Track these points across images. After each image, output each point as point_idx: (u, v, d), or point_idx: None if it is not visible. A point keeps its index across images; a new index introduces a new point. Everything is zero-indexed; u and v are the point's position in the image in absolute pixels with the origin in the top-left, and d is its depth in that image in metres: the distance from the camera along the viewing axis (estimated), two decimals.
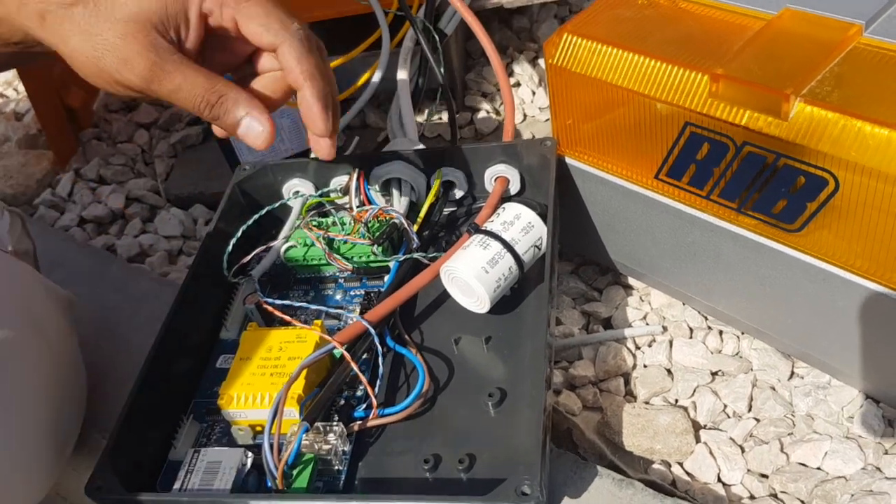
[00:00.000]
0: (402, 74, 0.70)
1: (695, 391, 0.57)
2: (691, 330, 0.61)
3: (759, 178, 0.47)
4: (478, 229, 0.54)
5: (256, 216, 0.57)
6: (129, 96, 0.48)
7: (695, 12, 0.53)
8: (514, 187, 0.61)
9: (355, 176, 0.60)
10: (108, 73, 0.45)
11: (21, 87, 1.07)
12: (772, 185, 0.47)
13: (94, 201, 0.86)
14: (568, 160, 0.59)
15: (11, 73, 1.10)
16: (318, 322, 0.53)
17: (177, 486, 0.46)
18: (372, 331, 0.50)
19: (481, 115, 0.83)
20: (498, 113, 0.83)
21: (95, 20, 0.44)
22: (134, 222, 0.82)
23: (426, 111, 0.84)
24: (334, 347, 0.49)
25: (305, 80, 0.47)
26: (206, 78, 0.46)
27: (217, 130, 0.51)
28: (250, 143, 0.48)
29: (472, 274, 0.51)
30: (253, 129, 0.47)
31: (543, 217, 0.54)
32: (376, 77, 0.74)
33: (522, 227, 0.54)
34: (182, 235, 0.81)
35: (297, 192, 0.63)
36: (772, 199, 0.48)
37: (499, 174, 0.60)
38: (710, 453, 0.53)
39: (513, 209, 0.55)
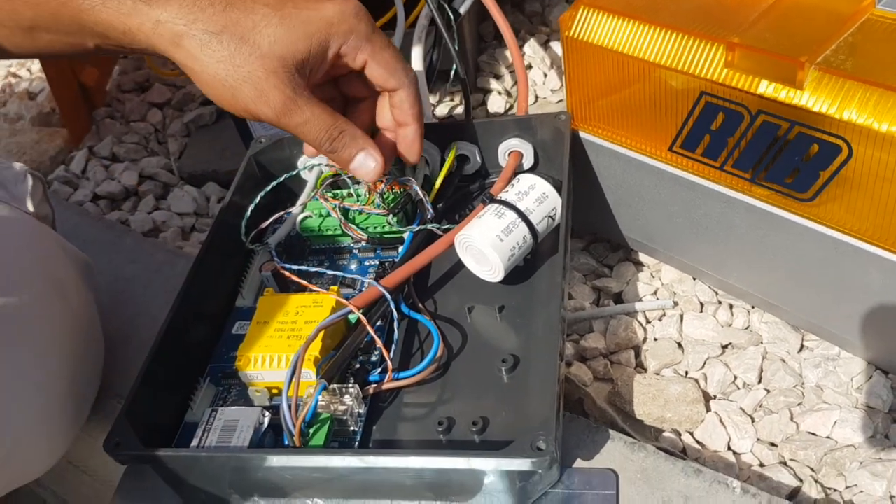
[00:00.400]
0: (416, 51, 0.71)
1: (705, 363, 0.57)
2: (702, 304, 0.61)
3: (773, 147, 0.48)
4: (492, 199, 0.55)
5: (275, 182, 0.58)
6: (250, 119, 0.53)
7: None
8: (528, 162, 0.61)
9: None
10: (243, 103, 0.48)
11: (34, 67, 1.08)
12: (785, 153, 0.48)
13: (107, 178, 0.87)
14: (582, 134, 0.60)
15: None
16: (335, 287, 0.53)
17: (194, 443, 0.47)
18: (388, 295, 0.51)
19: (493, 96, 0.84)
20: (510, 94, 0.84)
21: (240, 52, 0.46)
22: (147, 199, 0.83)
23: (438, 93, 0.85)
24: (351, 311, 0.50)
25: (414, 120, 0.54)
26: (330, 115, 0.50)
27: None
28: (361, 176, 0.53)
29: (486, 242, 0.52)
30: (366, 164, 0.52)
31: (557, 190, 0.55)
32: None
33: (537, 197, 0.54)
34: (195, 213, 0.82)
35: (311, 165, 0.63)
36: (785, 168, 0.48)
37: (513, 148, 0.61)
38: (721, 422, 0.53)
39: (527, 180, 0.55)
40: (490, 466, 0.42)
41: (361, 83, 0.54)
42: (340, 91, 0.56)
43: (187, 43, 0.46)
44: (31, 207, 0.55)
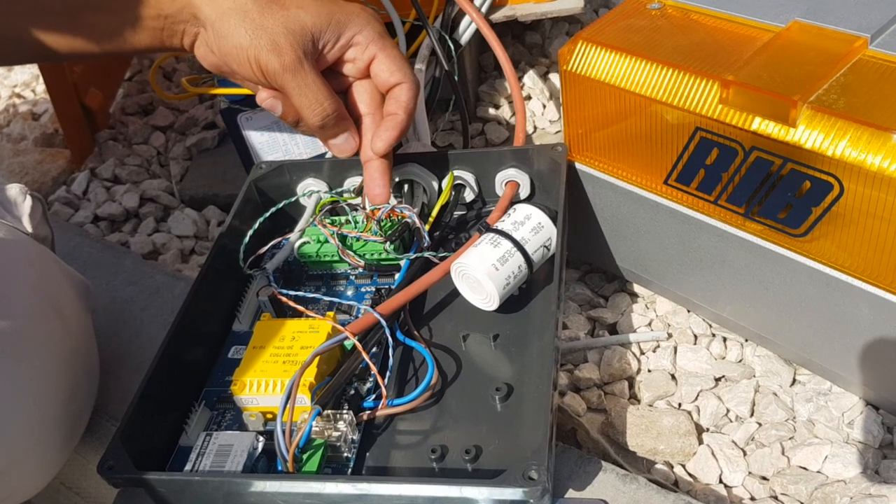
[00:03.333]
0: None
1: (698, 395, 0.58)
2: (696, 336, 0.62)
3: (766, 182, 0.49)
4: (489, 228, 0.55)
5: (274, 209, 0.58)
6: (249, 82, 0.56)
7: (706, 23, 0.54)
8: (524, 192, 0.62)
9: None
10: (254, 53, 0.52)
11: (38, 89, 1.09)
12: (778, 189, 0.48)
13: (108, 199, 0.87)
14: (578, 166, 0.60)
15: (30, 75, 1.12)
16: (331, 314, 0.54)
17: (188, 467, 0.47)
18: (383, 322, 0.51)
19: (492, 125, 0.85)
20: (509, 124, 0.85)
21: (270, 8, 0.52)
22: (147, 221, 0.84)
23: (438, 121, 0.86)
24: (346, 337, 0.50)
25: (402, 112, 0.56)
26: (329, 89, 0.55)
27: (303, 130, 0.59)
28: (338, 152, 0.58)
29: (482, 270, 0.52)
30: (347, 144, 0.58)
31: (553, 220, 0.56)
32: None
33: (532, 227, 0.55)
34: (195, 235, 0.82)
35: (311, 192, 0.64)
36: (778, 203, 0.49)
37: (509, 178, 0.62)
38: (713, 455, 0.53)
39: (523, 210, 0.56)
40: (482, 495, 0.42)
41: (343, 79, 0.58)
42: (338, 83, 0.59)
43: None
44: (29, 228, 0.56)
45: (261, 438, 0.48)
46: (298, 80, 0.53)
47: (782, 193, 0.48)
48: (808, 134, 0.46)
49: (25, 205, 0.56)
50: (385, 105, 0.57)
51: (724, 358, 0.60)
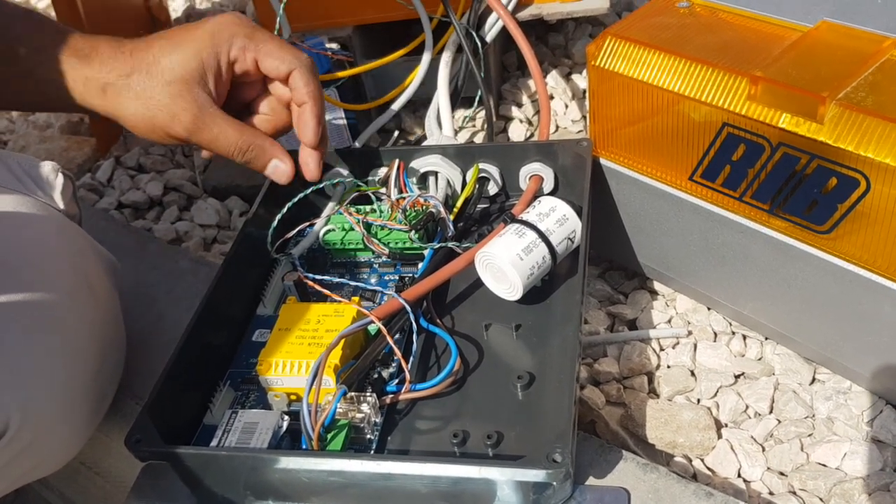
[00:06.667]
0: (443, 74, 0.72)
1: (717, 391, 0.58)
2: (715, 334, 0.62)
3: (792, 179, 0.49)
4: (514, 219, 0.56)
5: (301, 194, 0.59)
6: (177, 144, 0.58)
7: (734, 22, 0.55)
8: (548, 186, 0.62)
9: (396, 166, 0.61)
10: (161, 128, 0.54)
11: None
12: (804, 186, 0.49)
13: (132, 188, 0.88)
14: (602, 161, 0.61)
15: None
16: (356, 298, 0.54)
17: (214, 443, 0.48)
18: (408, 308, 0.52)
19: (515, 124, 0.85)
20: (531, 123, 0.85)
21: (149, 86, 0.53)
22: (171, 209, 0.85)
23: (461, 119, 0.87)
24: (371, 321, 0.51)
25: (309, 98, 0.55)
26: (237, 130, 0.55)
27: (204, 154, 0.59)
28: (276, 179, 0.58)
29: (507, 260, 0.53)
30: (279, 168, 0.57)
31: (577, 214, 0.56)
32: (416, 81, 0.76)
33: (557, 219, 0.55)
34: (217, 225, 0.83)
35: (337, 181, 0.65)
36: (804, 200, 0.49)
37: (534, 172, 0.62)
38: (732, 449, 0.54)
39: (548, 202, 0.56)
40: (506, 476, 0.43)
41: (247, 87, 0.58)
42: (245, 98, 0.59)
43: (110, 91, 0.53)
44: (61, 205, 0.57)
45: (286, 417, 0.49)
46: (205, 135, 0.54)
47: (808, 190, 0.49)
48: (836, 131, 0.46)
49: (58, 182, 0.57)
50: (293, 96, 0.57)
51: (743, 355, 0.60)
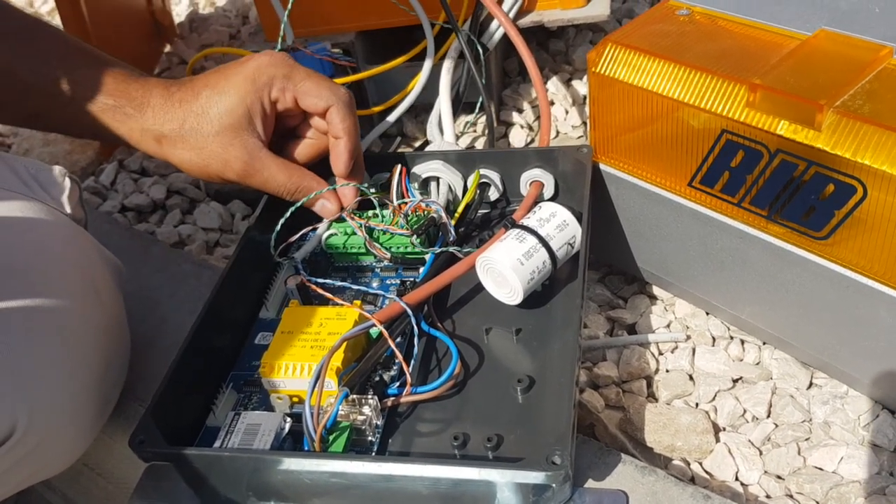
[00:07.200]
0: (444, 80, 0.73)
1: (715, 396, 0.58)
2: (714, 339, 0.62)
3: (790, 185, 0.50)
4: (514, 224, 0.56)
5: (304, 199, 0.59)
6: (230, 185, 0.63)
7: (733, 30, 0.56)
8: (548, 192, 0.63)
9: (398, 171, 0.62)
10: (215, 174, 0.58)
11: None
12: (802, 192, 0.49)
13: (135, 191, 0.89)
14: (602, 167, 0.61)
15: None
16: (358, 302, 0.55)
17: (217, 444, 0.48)
18: (409, 311, 0.52)
19: (515, 129, 0.86)
20: (531, 128, 0.86)
21: (201, 137, 0.56)
22: (174, 213, 0.85)
23: (462, 124, 0.87)
24: (373, 325, 0.51)
25: (344, 134, 0.58)
26: (286, 174, 0.58)
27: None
28: (322, 216, 0.61)
29: (508, 264, 0.53)
30: (326, 207, 0.60)
31: (577, 220, 0.57)
32: (418, 87, 0.77)
33: (557, 224, 0.56)
34: (220, 228, 0.84)
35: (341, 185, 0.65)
36: (801, 206, 0.50)
37: (534, 178, 0.63)
38: (729, 453, 0.54)
39: (549, 207, 0.57)
40: (506, 478, 0.43)
41: (300, 114, 0.61)
42: (289, 125, 0.61)
43: (165, 142, 0.57)
44: (68, 209, 0.57)
45: (288, 419, 0.50)
46: (256, 179, 0.57)
47: (806, 196, 0.49)
48: (833, 138, 0.46)
49: (64, 186, 0.58)
50: (329, 130, 0.59)
51: (741, 360, 0.61)
